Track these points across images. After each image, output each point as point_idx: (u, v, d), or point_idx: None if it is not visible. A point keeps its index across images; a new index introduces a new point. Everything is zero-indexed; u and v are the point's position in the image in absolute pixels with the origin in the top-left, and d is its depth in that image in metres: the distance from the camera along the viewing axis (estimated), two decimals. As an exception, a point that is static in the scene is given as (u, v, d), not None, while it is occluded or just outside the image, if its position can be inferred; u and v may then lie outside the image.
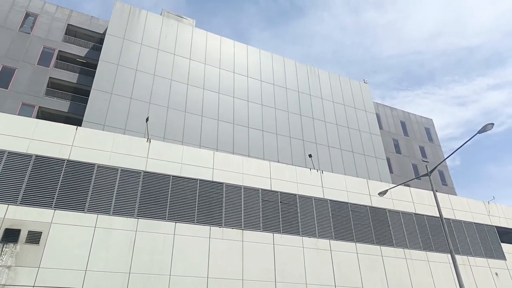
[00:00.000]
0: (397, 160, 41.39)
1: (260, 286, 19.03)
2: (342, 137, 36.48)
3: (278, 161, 30.47)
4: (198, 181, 20.59)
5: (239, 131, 31.62)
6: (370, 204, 24.82)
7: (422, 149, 44.87)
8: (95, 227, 17.19)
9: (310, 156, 27.67)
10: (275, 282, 19.53)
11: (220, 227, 19.78)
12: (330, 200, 23.74)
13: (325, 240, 22.14)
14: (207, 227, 19.47)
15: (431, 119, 49.81)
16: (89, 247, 16.61)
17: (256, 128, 32.53)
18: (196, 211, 19.65)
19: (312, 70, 39.90)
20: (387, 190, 21.77)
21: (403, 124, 45.76)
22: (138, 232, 17.90)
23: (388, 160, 39.36)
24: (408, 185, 31.00)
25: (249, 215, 20.85)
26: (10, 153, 17.12)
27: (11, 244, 15.40)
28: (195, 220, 19.42)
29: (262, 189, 22.05)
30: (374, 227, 24.08)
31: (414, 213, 26.15)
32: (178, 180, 20.10)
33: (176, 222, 18.91)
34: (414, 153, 43.46)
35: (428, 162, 44.22)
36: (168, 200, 19.31)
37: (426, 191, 28.07)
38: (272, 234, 20.88)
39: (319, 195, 23.65)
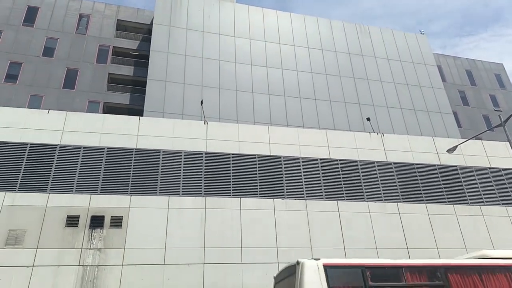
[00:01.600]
0: (465, 113, 38.39)
1: (329, 252, 19.24)
2: (402, 95, 34.53)
3: (334, 129, 29.86)
4: (257, 156, 20.98)
5: (291, 103, 31.34)
6: (438, 163, 23.54)
7: (493, 98, 41.06)
8: (168, 208, 18.44)
9: (368, 119, 26.69)
10: (344, 248, 19.61)
11: (283, 199, 20.15)
12: (394, 163, 22.90)
13: (393, 204, 21.58)
14: (270, 200, 19.94)
15: (501, 64, 45.07)
16: (165, 227, 17.94)
17: (308, 98, 31.99)
18: (258, 186, 20.16)
19: (361, 28, 37.82)
20: (456, 146, 20.43)
21: (469, 73, 42.02)
22: (207, 209, 18.89)
23: (455, 114, 36.66)
24: (480, 138, 28.77)
25: (311, 185, 20.92)
26: (85, 148, 18.77)
27: (98, 229, 17.16)
28: (258, 194, 19.95)
29: (320, 159, 21.90)
30: (444, 186, 22.90)
31: (489, 167, 24.34)
32: (238, 157, 20.66)
33: (241, 197, 19.60)
34: (484, 103, 39.95)
35: (501, 111, 40.43)
36: (231, 177, 20.00)
37: (501, 143, 25.86)
38: (336, 202, 20.81)
39: (381, 158, 22.90)
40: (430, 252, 20.46)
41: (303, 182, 20.92)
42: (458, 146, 20.93)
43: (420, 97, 35.22)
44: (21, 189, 17.11)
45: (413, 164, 23.11)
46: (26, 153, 17.89)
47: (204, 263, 17.62)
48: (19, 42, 28.32)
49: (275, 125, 27.05)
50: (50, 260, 16.04)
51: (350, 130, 30.31)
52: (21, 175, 17.39)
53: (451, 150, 20.55)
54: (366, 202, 21.22)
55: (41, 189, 17.33)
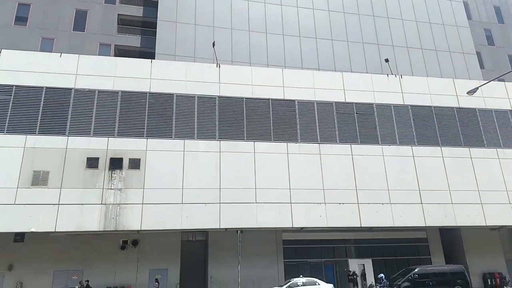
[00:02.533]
0: (489, 53, 36.46)
1: (341, 194, 19.73)
2: (423, 35, 32.74)
3: (351, 71, 28.99)
4: (270, 100, 20.79)
5: (307, 44, 30.17)
6: (457, 106, 22.95)
7: (522, 37, 38.55)
8: (183, 151, 18.87)
9: (386, 61, 25.69)
10: (356, 189, 20.02)
11: (296, 143, 20.28)
12: (411, 105, 22.43)
13: (407, 147, 21.51)
14: (284, 144, 20.10)
15: (536, -2, 41.60)
16: (182, 169, 18.49)
17: (324, 38, 30.68)
18: (272, 130, 20.23)
19: (384, -39, 34.91)
20: (477, 88, 19.67)
21: (497, 10, 39.16)
22: (221, 153, 19.25)
23: (478, 54, 34.81)
24: (503, 80, 27.57)
25: (325, 129, 20.86)
26: (100, 91, 18.86)
27: (118, 171, 17.82)
28: (272, 138, 20.09)
29: (335, 102, 21.57)
30: (461, 129, 22.52)
31: (510, 110, 23.64)
32: (251, 101, 20.52)
33: (254, 141, 19.81)
34: (511, 43, 37.71)
35: (529, 51, 38.14)
36: (245, 121, 20.06)
37: (525, 85, 24.81)
38: (349, 145, 20.85)
39: (398, 101, 22.41)
40: (442, 195, 20.74)
41: (317, 126, 20.85)
42: (479, 88, 20.15)
43: (443, 36, 33.34)
44: (41, 132, 17.61)
45: (430, 107, 22.59)
46: (43, 97, 18.13)
47: (220, 203, 18.36)
48: (25, -18, 27.35)
49: (290, 68, 26.36)
50: (75, 199, 16.95)
51: (367, 72, 29.40)
52: (39, 118, 17.79)
53: (471, 92, 19.83)
54: (380, 146, 21.19)
55: (60, 132, 17.80)
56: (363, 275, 22.00)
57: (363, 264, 22.29)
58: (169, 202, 17.84)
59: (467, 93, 20.26)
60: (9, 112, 17.57)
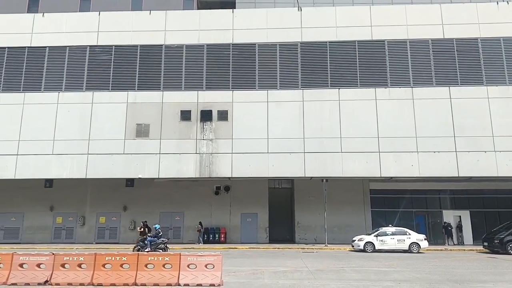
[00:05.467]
0: None
1: (436, 141, 18.30)
2: None
3: (451, 2, 25.32)
4: (356, 42, 19.45)
5: (398, -26, 26.91)
6: None
7: None
8: (267, 101, 19.06)
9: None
10: (454, 137, 18.35)
11: (386, 88, 18.98)
12: (527, 38, 19.07)
13: (519, 87, 18.68)
14: (371, 89, 18.98)
15: None
16: (266, 119, 18.83)
17: (419, -34, 26.94)
18: (358, 75, 19.15)
19: None
20: None
21: None
22: (304, 102, 19.00)
23: None
24: None
25: (418, 71, 19.04)
26: (187, 46, 19.61)
27: (208, 122, 18.89)
28: (358, 83, 19.07)
29: (432, 39, 19.31)
30: None
31: None
32: (335, 45, 19.46)
33: (339, 88, 19.05)
34: None
35: None
36: (328, 68, 19.26)
37: None
38: (447, 87, 18.85)
39: (509, 33, 19.21)
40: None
41: (410, 67, 19.09)
42: None
43: None
44: (140, 88, 19.25)
45: (554, 38, 18.93)
46: (138, 54, 19.56)
47: (304, 152, 18.50)
48: None
49: (378, 4, 24.01)
50: (173, 148, 18.62)
51: (470, 2, 25.43)
52: (137, 75, 19.37)
53: None
54: (485, 87, 18.74)
55: (156, 87, 19.25)
56: (459, 227, 20.81)
57: (459, 216, 20.99)
58: (255, 152, 18.54)
59: None
60: (111, 71, 19.43)
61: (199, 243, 19.83)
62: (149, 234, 15.95)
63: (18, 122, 18.91)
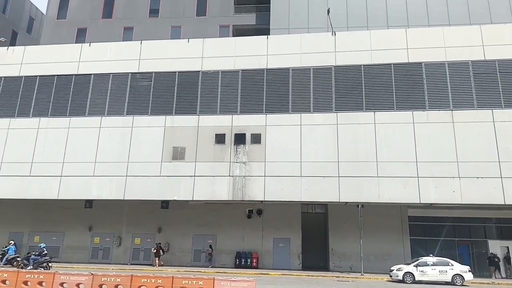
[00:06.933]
0: None
1: (479, 166, 17.40)
2: None
3: (491, 22, 24.59)
4: (392, 65, 19.20)
5: (434, -4, 26.59)
6: None
7: None
8: (300, 125, 19.05)
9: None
10: (499, 161, 17.38)
11: (424, 111, 18.46)
12: None
13: None
14: (408, 112, 18.52)
15: None
16: (299, 142, 18.76)
17: (456, -13, 26.54)
18: (394, 97, 18.79)
19: None
20: None
21: None
22: (338, 125, 18.80)
23: None
24: None
25: (458, 93, 18.42)
26: (223, 71, 20.15)
27: (241, 145, 19.08)
28: (395, 106, 18.69)
29: (472, 61, 18.72)
30: None
31: None
32: (370, 68, 19.30)
33: (374, 111, 18.75)
34: None
35: None
36: (363, 91, 19.07)
37: None
38: (490, 110, 18.05)
39: (559, 54, 18.27)
40: None
41: (449, 90, 18.51)
42: None
43: None
44: (177, 113, 19.88)
45: None
46: (176, 81, 20.32)
47: (338, 176, 18.14)
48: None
49: (414, 27, 23.73)
50: (207, 171, 18.87)
51: (513, 22, 24.57)
52: (175, 100, 20.06)
53: None
54: (533, 110, 17.78)
55: (192, 111, 19.81)
56: (507, 259, 19.37)
57: (507, 247, 19.58)
58: (288, 175, 18.40)
59: None
60: (151, 96, 20.26)
61: (210, 267, 19.96)
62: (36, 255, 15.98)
63: (63, 145, 19.98)
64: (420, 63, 19.02)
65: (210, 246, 20.53)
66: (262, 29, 27.79)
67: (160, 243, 20.44)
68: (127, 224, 21.93)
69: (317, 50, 19.94)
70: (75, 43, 28.14)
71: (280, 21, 26.66)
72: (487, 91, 18.28)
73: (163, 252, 20.34)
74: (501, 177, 17.21)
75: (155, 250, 19.86)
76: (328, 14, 22.09)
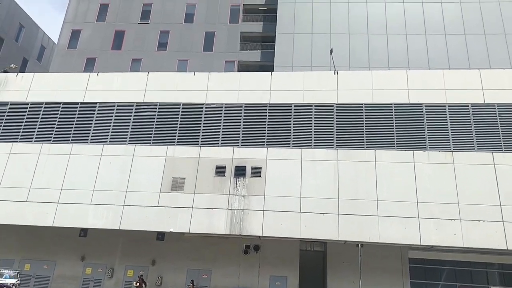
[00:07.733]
0: None
1: (481, 209, 17.19)
2: None
3: (490, 67, 25.24)
4: (393, 105, 19.49)
5: (433, 41, 27.51)
6: None
7: None
8: (301, 159, 19.06)
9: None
10: (500, 205, 17.21)
11: (424, 151, 18.52)
12: None
13: None
14: (409, 152, 18.57)
15: None
16: (300, 177, 18.70)
17: (454, 33, 27.54)
18: (395, 137, 18.92)
19: None
20: None
21: None
22: (339, 162, 18.81)
23: None
24: None
25: (458, 135, 18.56)
26: (226, 105, 20.48)
27: (241, 178, 19.01)
28: (395, 145, 18.77)
29: (472, 104, 19.01)
30: None
31: None
32: (371, 106, 19.59)
33: (375, 150, 18.81)
34: None
35: None
36: (364, 128, 19.24)
37: None
38: (490, 153, 18.09)
39: (557, 100, 18.58)
40: None
41: (449, 131, 18.68)
42: None
43: None
44: (179, 143, 19.99)
45: None
46: (180, 112, 20.60)
47: (338, 214, 17.91)
48: (165, 12, 31.86)
49: (414, 69, 24.37)
50: (205, 203, 18.68)
51: (511, 68, 25.19)
52: (177, 131, 20.23)
53: None
54: (533, 154, 17.81)
55: (194, 142, 19.92)
56: (512, 307, 18.69)
57: (512, 294, 18.96)
58: (288, 210, 18.19)
59: None
60: (154, 126, 20.46)
61: None
62: None
63: (63, 172, 19.93)
64: (421, 104, 19.32)
65: (192, 282, 19.68)
66: (267, 66, 28.57)
67: (142, 275, 19.48)
68: (121, 255, 21.41)
69: (320, 88, 20.34)
70: (84, 72, 28.85)
71: (284, 58, 27.45)
72: (487, 134, 18.42)
73: (145, 285, 19.32)
74: (503, 221, 16.96)
75: (137, 284, 18.72)
76: (331, 53, 22.76)
